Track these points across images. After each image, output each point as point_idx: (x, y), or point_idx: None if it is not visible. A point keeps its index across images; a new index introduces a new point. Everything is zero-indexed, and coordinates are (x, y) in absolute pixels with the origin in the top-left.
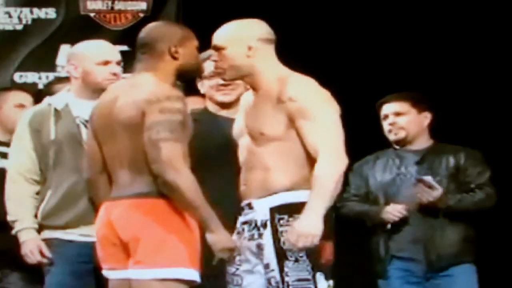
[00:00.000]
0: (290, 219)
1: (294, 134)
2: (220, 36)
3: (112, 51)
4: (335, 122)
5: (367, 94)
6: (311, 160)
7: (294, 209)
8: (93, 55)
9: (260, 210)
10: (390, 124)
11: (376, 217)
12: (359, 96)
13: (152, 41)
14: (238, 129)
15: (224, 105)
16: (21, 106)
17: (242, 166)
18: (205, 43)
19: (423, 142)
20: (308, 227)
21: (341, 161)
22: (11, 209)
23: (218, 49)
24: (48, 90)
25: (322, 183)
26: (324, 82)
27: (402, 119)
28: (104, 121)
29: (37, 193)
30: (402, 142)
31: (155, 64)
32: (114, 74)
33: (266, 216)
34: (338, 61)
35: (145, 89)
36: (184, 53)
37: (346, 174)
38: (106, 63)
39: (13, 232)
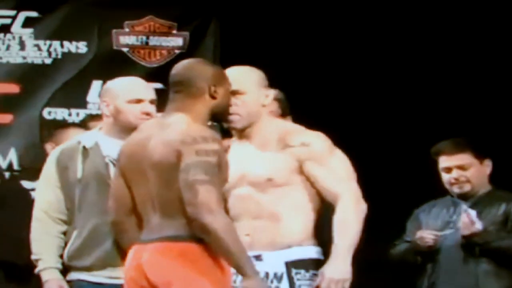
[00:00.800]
0: (307, 274)
1: (301, 179)
2: (241, 80)
3: (146, 89)
4: (349, 166)
5: (418, 137)
6: (315, 206)
7: (310, 264)
8: (125, 93)
9: (272, 263)
10: (455, 179)
11: (413, 247)
12: (409, 139)
13: (190, 79)
14: (230, 179)
15: None
16: None
17: (241, 215)
18: None
19: (482, 189)
20: (339, 272)
21: (363, 204)
22: (35, 248)
23: (236, 93)
24: (83, 128)
25: (349, 228)
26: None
27: (467, 173)
28: (134, 161)
29: (64, 233)
30: (467, 195)
31: (192, 103)
32: (147, 114)
33: (281, 269)
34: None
35: (180, 129)
36: (221, 92)
37: (405, 221)
38: (138, 101)
39: (36, 271)
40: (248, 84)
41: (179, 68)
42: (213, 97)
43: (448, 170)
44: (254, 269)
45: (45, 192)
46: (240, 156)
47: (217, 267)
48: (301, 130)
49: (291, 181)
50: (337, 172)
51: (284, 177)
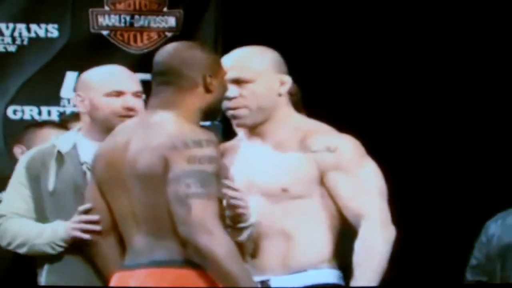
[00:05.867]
0: None
1: (320, 191)
2: (247, 64)
3: (127, 79)
4: (381, 181)
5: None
6: (336, 223)
7: None
8: (101, 84)
9: None
10: None
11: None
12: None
13: (180, 69)
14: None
15: None
16: None
17: None
18: None
19: None
20: None
21: (392, 230)
22: (22, 232)
23: (240, 82)
24: (62, 128)
25: (372, 257)
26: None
27: None
28: (112, 171)
29: None
30: None
31: (182, 98)
32: (130, 109)
33: None
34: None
35: (167, 131)
36: (217, 84)
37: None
38: (118, 94)
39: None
40: (257, 70)
41: (164, 54)
42: (208, 90)
43: None
44: None
45: (15, 199)
46: (250, 159)
47: None
48: (326, 130)
49: (309, 193)
50: (365, 188)
51: (301, 188)
